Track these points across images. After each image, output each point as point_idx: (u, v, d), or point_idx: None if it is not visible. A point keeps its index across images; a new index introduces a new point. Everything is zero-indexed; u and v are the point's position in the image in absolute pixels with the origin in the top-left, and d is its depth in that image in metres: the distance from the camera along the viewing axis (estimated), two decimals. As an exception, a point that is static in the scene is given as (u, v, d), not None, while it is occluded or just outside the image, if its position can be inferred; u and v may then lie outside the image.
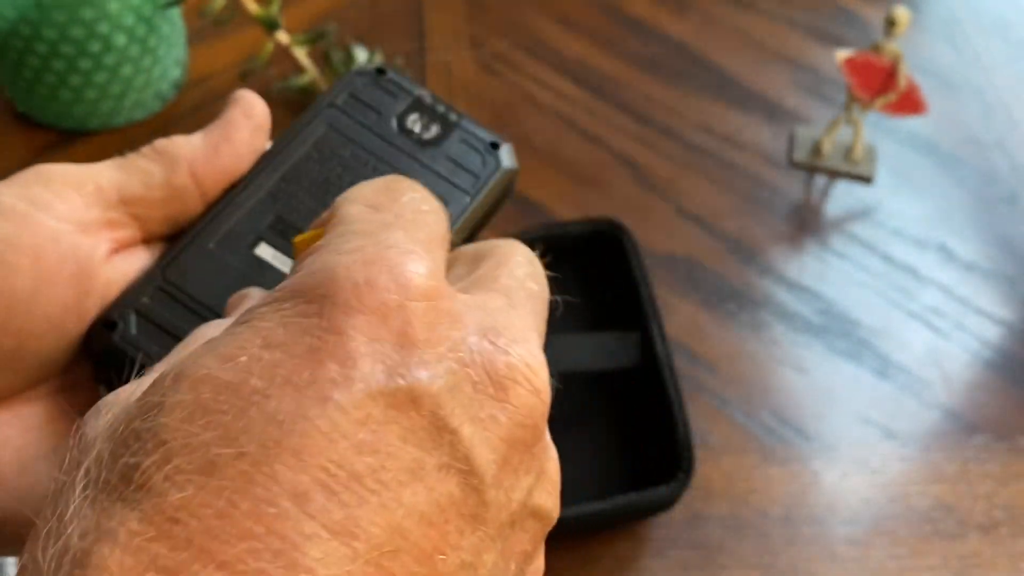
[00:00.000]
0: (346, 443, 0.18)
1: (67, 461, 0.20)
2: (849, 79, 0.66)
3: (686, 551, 0.51)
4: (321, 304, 0.20)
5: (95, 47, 0.63)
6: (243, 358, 0.19)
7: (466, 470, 0.19)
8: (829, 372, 0.59)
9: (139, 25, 0.64)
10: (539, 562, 0.23)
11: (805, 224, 0.67)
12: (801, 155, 0.70)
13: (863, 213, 0.67)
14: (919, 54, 0.77)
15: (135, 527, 0.17)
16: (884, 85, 0.66)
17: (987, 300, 0.63)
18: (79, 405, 0.29)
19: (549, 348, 0.56)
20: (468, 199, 0.33)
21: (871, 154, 0.70)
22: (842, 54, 0.66)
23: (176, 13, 0.68)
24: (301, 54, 0.67)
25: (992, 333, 0.62)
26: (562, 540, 0.51)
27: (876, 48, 0.65)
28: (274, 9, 0.64)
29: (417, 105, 0.34)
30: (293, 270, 0.22)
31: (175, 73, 0.69)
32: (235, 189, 0.32)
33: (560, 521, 0.49)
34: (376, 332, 0.19)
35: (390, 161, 0.33)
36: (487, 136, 0.34)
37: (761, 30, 0.79)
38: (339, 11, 0.77)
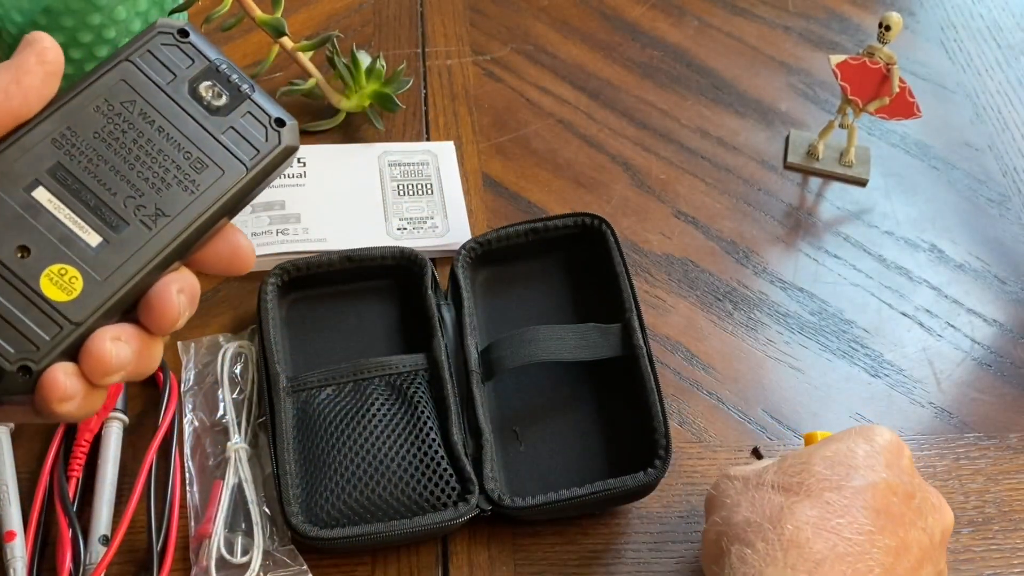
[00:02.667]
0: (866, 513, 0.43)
1: (735, 500, 0.45)
2: (843, 83, 0.67)
3: (683, 545, 0.52)
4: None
5: (103, 52, 0.64)
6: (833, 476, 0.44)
7: (928, 536, 0.43)
8: (823, 370, 0.60)
9: (146, 31, 0.65)
10: None
11: (800, 225, 0.68)
12: (796, 158, 0.71)
13: (856, 215, 0.69)
14: (912, 58, 0.78)
15: (808, 509, 0.42)
16: (878, 89, 0.66)
17: (978, 300, 0.64)
18: None
19: (534, 339, 0.57)
20: (244, 170, 0.34)
21: (865, 157, 0.71)
22: (836, 58, 0.67)
23: (183, 18, 0.69)
24: (305, 59, 0.68)
25: (983, 332, 0.63)
26: (546, 524, 0.53)
27: (870, 52, 0.66)
28: (279, 15, 0.65)
29: (211, 73, 0.35)
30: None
31: (181, 77, 0.70)
32: (21, 129, 0.32)
33: (544, 505, 0.50)
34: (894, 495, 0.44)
35: (175, 123, 0.34)
36: (275, 112, 0.35)
37: (756, 35, 0.80)
38: (343, 17, 0.78)
